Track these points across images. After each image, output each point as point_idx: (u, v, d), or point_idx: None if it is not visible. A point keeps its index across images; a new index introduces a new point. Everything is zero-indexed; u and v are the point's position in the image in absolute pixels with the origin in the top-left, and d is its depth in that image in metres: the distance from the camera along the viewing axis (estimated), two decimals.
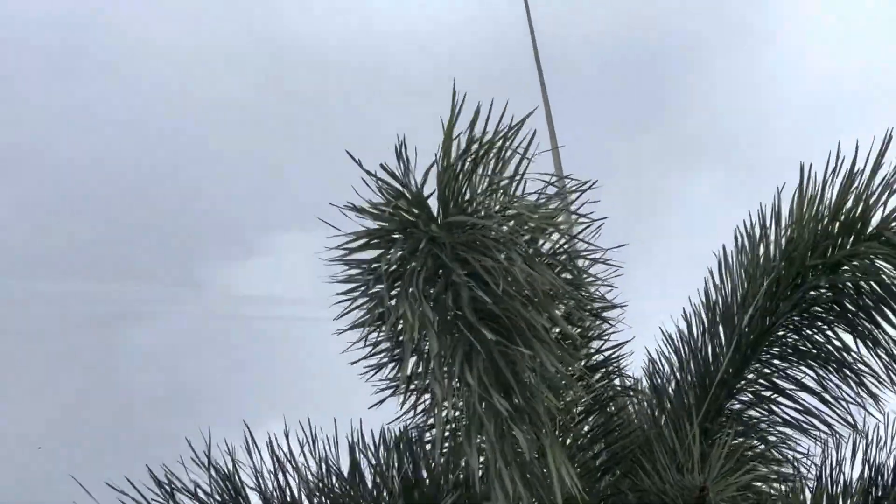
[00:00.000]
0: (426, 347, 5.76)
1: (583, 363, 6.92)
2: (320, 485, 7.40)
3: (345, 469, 7.38)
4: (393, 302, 5.71)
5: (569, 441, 7.00)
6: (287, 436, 7.52)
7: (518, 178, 5.93)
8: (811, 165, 6.94)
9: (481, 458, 5.97)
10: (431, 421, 6.98)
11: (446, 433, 6.62)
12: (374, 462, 7.30)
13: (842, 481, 7.63)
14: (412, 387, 6.23)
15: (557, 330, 6.15)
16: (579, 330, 6.61)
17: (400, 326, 5.69)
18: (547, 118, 6.57)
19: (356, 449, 7.33)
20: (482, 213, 5.84)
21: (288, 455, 7.48)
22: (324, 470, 7.43)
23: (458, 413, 6.35)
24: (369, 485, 7.34)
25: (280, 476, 7.48)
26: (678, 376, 7.48)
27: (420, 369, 5.97)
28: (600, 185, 6.08)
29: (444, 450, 7.01)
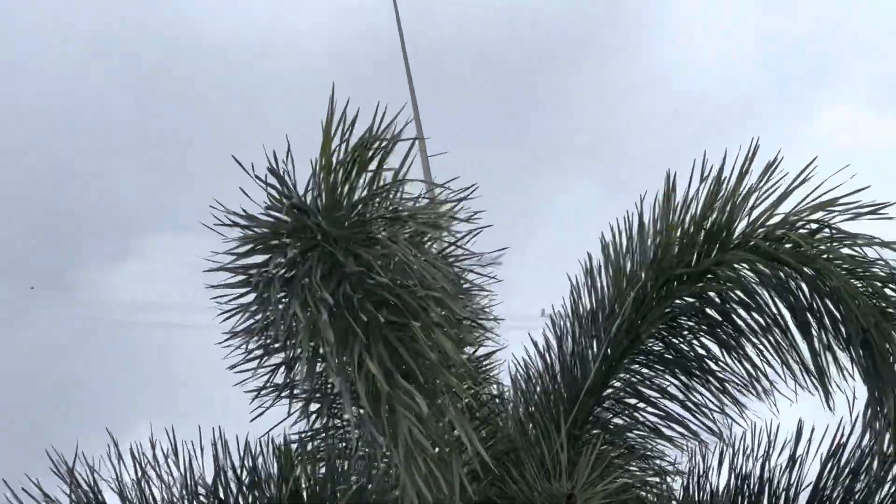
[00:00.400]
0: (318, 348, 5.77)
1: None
2: (185, 496, 7.29)
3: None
4: (284, 306, 5.71)
5: (437, 449, 6.97)
6: (152, 444, 7.39)
7: (399, 181, 5.94)
8: (676, 174, 6.99)
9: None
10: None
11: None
12: (238, 471, 7.19)
13: (708, 489, 7.68)
14: (304, 389, 6.25)
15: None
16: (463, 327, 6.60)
17: (294, 327, 5.67)
18: (416, 124, 6.50)
19: (219, 459, 7.23)
20: (367, 215, 5.90)
21: (153, 464, 7.35)
22: (189, 479, 7.32)
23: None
24: (234, 494, 7.23)
25: (144, 486, 7.35)
26: (546, 384, 7.48)
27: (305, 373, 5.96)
28: (479, 195, 6.09)
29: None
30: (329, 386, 6.50)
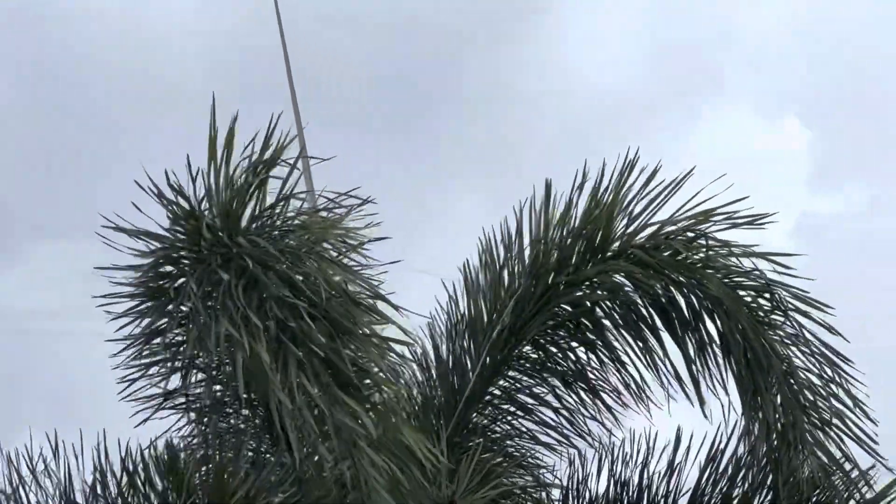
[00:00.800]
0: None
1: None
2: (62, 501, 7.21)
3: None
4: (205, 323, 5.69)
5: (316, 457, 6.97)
6: (29, 451, 7.30)
7: (289, 196, 5.95)
8: (550, 182, 7.03)
9: None
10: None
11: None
12: (118, 479, 7.11)
13: (587, 496, 7.72)
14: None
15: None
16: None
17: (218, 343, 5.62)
18: (298, 130, 6.51)
19: (99, 466, 7.14)
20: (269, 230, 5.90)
21: (30, 467, 7.26)
22: (67, 487, 7.24)
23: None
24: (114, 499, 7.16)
25: (22, 492, 7.26)
26: (426, 391, 7.48)
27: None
28: (375, 201, 6.08)
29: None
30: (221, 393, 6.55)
